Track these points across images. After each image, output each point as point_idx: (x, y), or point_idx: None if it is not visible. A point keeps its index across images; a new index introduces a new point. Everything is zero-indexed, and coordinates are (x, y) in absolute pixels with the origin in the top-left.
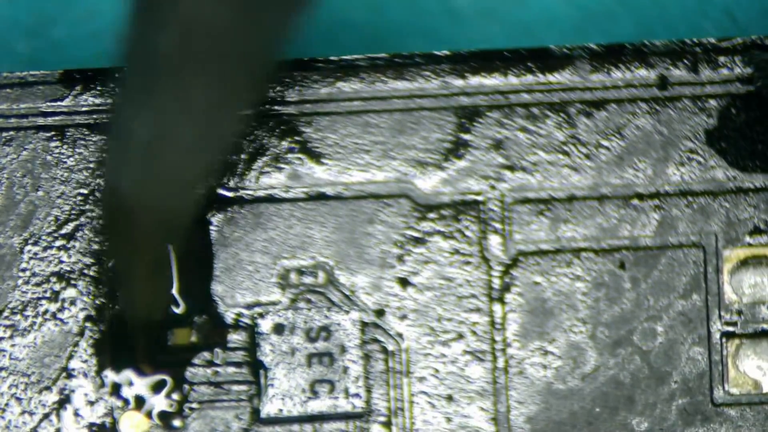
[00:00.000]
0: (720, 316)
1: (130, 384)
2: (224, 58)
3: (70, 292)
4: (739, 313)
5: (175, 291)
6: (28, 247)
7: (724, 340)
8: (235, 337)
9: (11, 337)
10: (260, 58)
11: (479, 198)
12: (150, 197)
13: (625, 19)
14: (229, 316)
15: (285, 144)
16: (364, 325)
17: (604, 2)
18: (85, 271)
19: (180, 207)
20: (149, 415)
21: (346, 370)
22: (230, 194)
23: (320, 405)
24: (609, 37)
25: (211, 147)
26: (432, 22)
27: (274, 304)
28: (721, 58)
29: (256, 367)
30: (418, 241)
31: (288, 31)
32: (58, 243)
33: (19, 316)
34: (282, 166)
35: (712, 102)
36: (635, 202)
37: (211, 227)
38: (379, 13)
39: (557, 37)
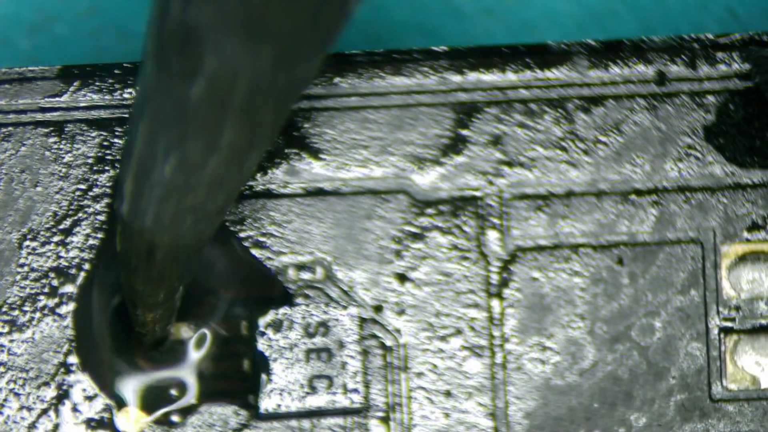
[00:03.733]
0: (718, 312)
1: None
2: (255, 104)
3: (68, 288)
4: (738, 308)
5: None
6: (27, 243)
7: (722, 335)
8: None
9: (9, 332)
10: (290, 96)
11: (477, 194)
12: (173, 233)
13: (626, 17)
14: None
15: (282, 139)
16: (363, 320)
17: (606, 0)
18: (84, 267)
19: (200, 240)
20: (147, 410)
21: (344, 365)
22: None
23: (318, 400)
24: (611, 35)
25: (237, 181)
26: (433, 21)
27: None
28: (720, 54)
29: (255, 362)
30: (416, 237)
31: (316, 69)
32: (56, 238)
33: (17, 312)
34: (279, 161)
35: (711, 98)
36: (633, 197)
37: None
38: (380, 11)
39: (559, 35)
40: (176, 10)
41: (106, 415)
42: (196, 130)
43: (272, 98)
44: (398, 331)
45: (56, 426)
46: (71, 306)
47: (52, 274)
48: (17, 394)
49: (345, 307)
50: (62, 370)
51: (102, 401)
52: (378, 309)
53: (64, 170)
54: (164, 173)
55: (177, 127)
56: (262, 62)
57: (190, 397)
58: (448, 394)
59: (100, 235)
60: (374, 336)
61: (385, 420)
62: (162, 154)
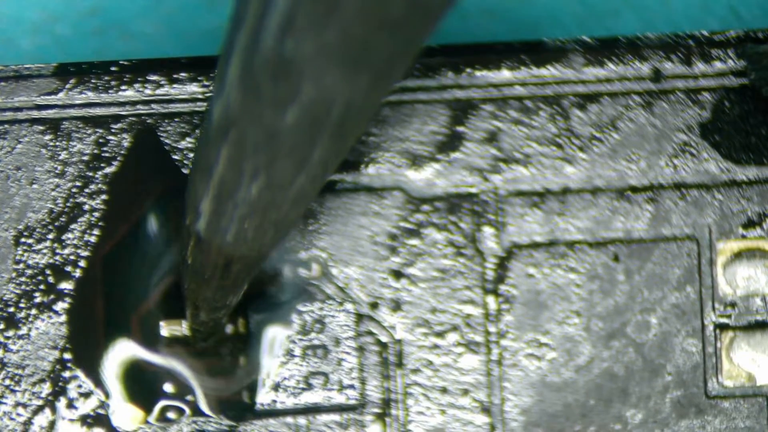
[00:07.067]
0: (714, 309)
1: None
2: (348, 123)
3: (64, 285)
4: (733, 305)
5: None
6: (23, 240)
7: (718, 332)
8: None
9: (6, 329)
10: (378, 107)
11: (473, 190)
12: (253, 246)
13: (628, 16)
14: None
15: None
16: (359, 317)
17: (608, 0)
18: (80, 264)
19: (275, 247)
20: (144, 407)
21: (340, 362)
22: None
23: (314, 397)
24: (612, 34)
25: (318, 189)
26: None
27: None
28: (715, 51)
29: (250, 358)
30: (412, 234)
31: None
32: (52, 236)
33: (13, 309)
34: None
35: (706, 95)
36: (629, 194)
37: None
38: None
39: (561, 35)
40: (270, 41)
41: (102, 411)
42: (286, 151)
43: (364, 114)
44: (394, 327)
45: (52, 422)
46: (67, 303)
47: (48, 271)
48: (13, 391)
49: (341, 304)
50: (58, 366)
51: (97, 398)
52: (374, 306)
53: (60, 168)
54: (250, 193)
55: (266, 151)
56: (360, 86)
57: (186, 394)
58: (443, 390)
59: (96, 232)
60: (370, 332)
61: (381, 416)
62: (248, 176)
